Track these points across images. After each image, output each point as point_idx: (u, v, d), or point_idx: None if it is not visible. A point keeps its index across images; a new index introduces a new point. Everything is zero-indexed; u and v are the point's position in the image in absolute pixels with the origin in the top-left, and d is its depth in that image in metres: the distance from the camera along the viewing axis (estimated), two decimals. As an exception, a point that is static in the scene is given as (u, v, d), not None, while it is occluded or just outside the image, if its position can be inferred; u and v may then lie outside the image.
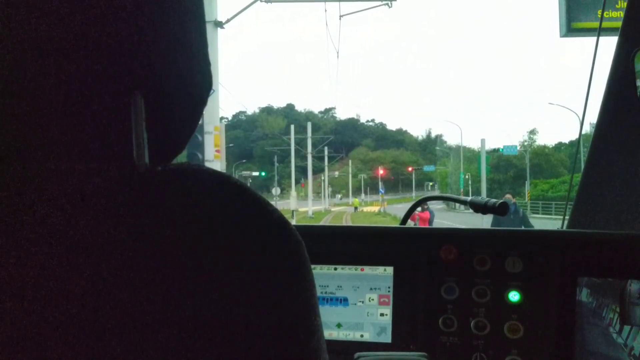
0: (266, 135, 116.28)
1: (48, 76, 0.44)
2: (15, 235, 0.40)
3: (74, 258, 0.40)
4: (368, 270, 1.23)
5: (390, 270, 1.22)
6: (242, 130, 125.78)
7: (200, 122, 0.57)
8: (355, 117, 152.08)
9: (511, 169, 57.44)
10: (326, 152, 60.46)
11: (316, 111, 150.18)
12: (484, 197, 1.42)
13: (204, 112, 0.57)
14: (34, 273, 0.40)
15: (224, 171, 0.52)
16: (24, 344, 0.39)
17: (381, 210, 49.86)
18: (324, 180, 64.46)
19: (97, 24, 0.43)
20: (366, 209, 60.32)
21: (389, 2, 13.07)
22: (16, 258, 0.40)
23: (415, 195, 79.25)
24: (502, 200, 1.32)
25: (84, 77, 0.45)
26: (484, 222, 14.53)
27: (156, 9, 0.46)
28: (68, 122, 0.45)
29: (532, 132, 63.33)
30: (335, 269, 1.24)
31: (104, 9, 0.44)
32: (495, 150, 50.14)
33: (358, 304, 1.22)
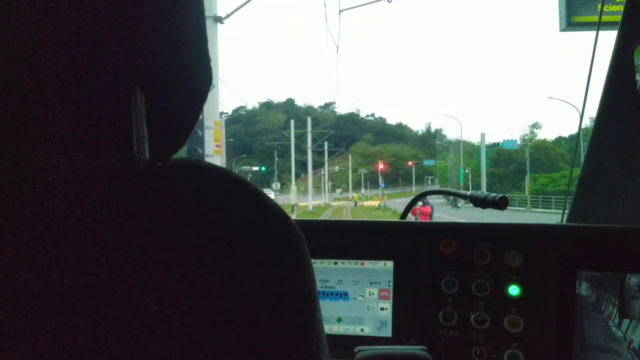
0: (266, 130, 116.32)
1: (48, 72, 0.44)
2: (15, 230, 0.40)
3: (73, 252, 0.40)
4: (368, 264, 1.23)
5: (390, 264, 1.22)
6: (242, 125, 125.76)
7: (200, 117, 0.57)
8: (355, 111, 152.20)
9: (511, 163, 57.37)
10: (326, 147, 60.46)
11: (316, 106, 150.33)
12: (483, 191, 1.42)
13: (204, 107, 0.57)
14: (34, 267, 0.40)
15: (224, 166, 0.52)
16: (24, 338, 0.39)
17: (381, 204, 49.90)
18: (324, 175, 64.46)
19: (97, 19, 0.43)
20: (366, 203, 60.39)
21: (388, -3, 13.03)
22: (16, 252, 0.40)
23: (415, 189, 79.34)
24: (501, 195, 1.33)
25: (84, 73, 0.44)
26: (484, 216, 14.53)
27: (156, 4, 0.46)
28: (68, 117, 0.45)
29: (535, 125, 63.14)
30: (336, 263, 1.24)
31: (104, 4, 0.44)
32: (495, 145, 49.98)
33: (358, 298, 1.22)
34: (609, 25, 1.74)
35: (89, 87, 0.45)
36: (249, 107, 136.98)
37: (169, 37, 0.48)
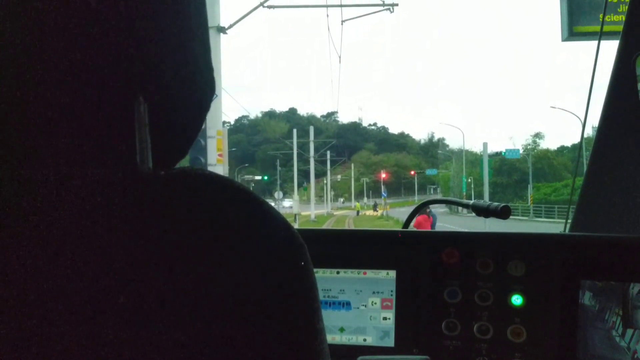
0: (268, 140, 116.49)
1: (52, 80, 0.44)
2: (18, 240, 0.41)
3: (76, 261, 0.41)
4: (371, 273, 1.23)
5: (392, 273, 1.21)
6: (244, 134, 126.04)
7: (203, 127, 0.58)
8: (358, 120, 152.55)
9: (514, 173, 57.35)
10: (328, 156, 60.41)
11: (318, 115, 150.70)
12: (486, 200, 1.42)
13: (206, 117, 0.57)
14: (36, 276, 0.40)
15: (227, 175, 0.53)
16: (24, 347, 0.39)
17: (383, 213, 49.83)
18: (326, 184, 64.44)
19: (101, 29, 0.44)
20: (368, 212, 60.30)
21: (391, 8, 13.10)
22: (18, 262, 0.40)
23: (417, 198, 79.18)
24: (503, 204, 1.32)
25: (87, 82, 0.45)
26: (487, 225, 14.49)
27: (160, 15, 0.47)
28: (71, 126, 0.46)
29: (537, 135, 63.06)
30: (338, 272, 1.24)
31: (108, 14, 0.44)
32: (498, 154, 49.99)
33: (361, 307, 1.22)
34: (610, 35, 1.74)
35: (92, 97, 0.45)
36: (252, 117, 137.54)
37: (173, 47, 0.48)
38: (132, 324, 0.40)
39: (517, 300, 1.13)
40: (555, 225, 25.67)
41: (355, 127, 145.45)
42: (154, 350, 0.40)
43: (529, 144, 61.30)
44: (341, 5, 14.50)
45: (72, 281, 0.40)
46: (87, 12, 0.43)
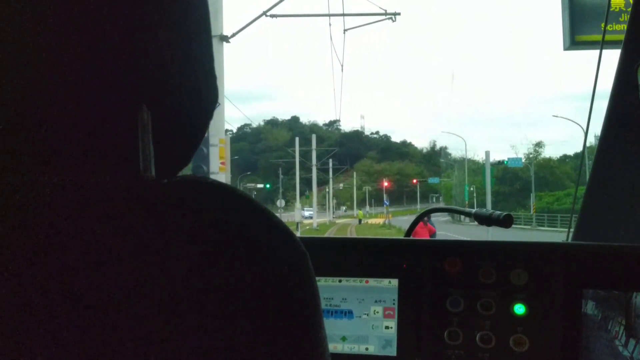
0: (271, 148, 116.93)
1: (55, 88, 0.44)
2: (18, 247, 0.41)
3: (79, 269, 0.41)
4: (373, 282, 1.22)
5: (395, 282, 1.21)
6: (247, 142, 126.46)
7: (205, 135, 0.58)
8: (360, 129, 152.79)
9: (516, 181, 57.35)
10: (331, 164, 60.50)
11: (321, 123, 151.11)
12: (488, 209, 1.42)
13: (209, 125, 0.57)
14: (37, 281, 0.40)
15: (229, 183, 0.53)
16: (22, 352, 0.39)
17: (386, 222, 49.79)
18: (328, 192, 64.45)
19: (105, 37, 0.44)
20: (371, 220, 60.25)
21: (393, 17, 13.15)
22: (19, 267, 0.40)
23: (420, 207, 79.12)
24: (506, 213, 1.32)
25: (91, 90, 0.45)
26: (489, 234, 14.45)
27: (163, 24, 0.47)
28: (74, 133, 0.46)
29: (538, 144, 63.07)
30: (340, 281, 1.24)
31: (112, 23, 0.44)
32: (500, 163, 50.06)
33: (363, 316, 1.21)
34: (613, 44, 1.75)
35: (95, 104, 0.45)
36: (254, 125, 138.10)
37: (176, 56, 0.49)
38: (133, 329, 0.40)
39: (519, 309, 1.13)
40: (558, 234, 25.61)
41: (357, 135, 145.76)
42: (154, 354, 0.40)
43: (531, 153, 61.37)
44: (343, 15, 14.60)
45: (73, 286, 0.40)
46: (91, 19, 0.43)
